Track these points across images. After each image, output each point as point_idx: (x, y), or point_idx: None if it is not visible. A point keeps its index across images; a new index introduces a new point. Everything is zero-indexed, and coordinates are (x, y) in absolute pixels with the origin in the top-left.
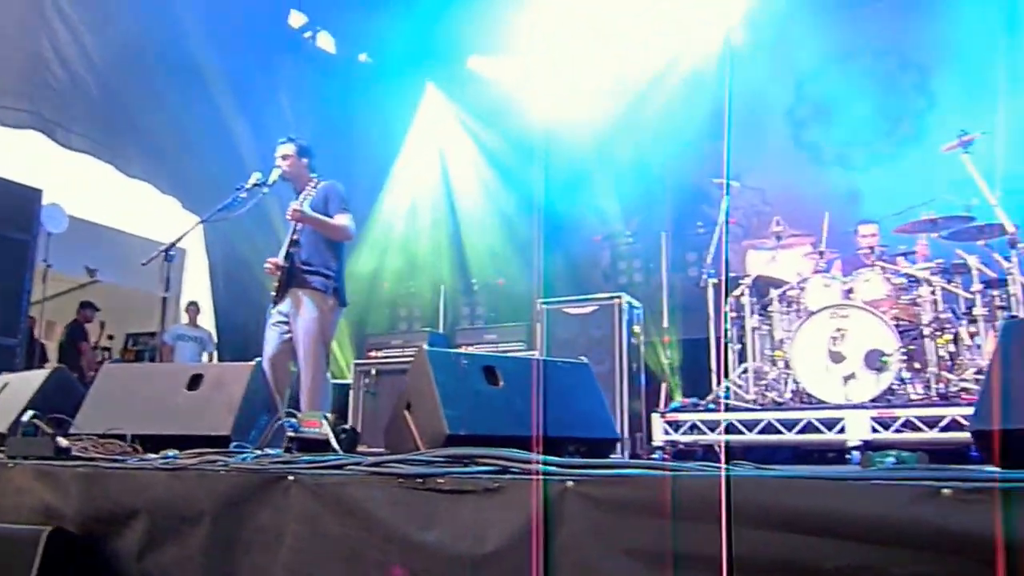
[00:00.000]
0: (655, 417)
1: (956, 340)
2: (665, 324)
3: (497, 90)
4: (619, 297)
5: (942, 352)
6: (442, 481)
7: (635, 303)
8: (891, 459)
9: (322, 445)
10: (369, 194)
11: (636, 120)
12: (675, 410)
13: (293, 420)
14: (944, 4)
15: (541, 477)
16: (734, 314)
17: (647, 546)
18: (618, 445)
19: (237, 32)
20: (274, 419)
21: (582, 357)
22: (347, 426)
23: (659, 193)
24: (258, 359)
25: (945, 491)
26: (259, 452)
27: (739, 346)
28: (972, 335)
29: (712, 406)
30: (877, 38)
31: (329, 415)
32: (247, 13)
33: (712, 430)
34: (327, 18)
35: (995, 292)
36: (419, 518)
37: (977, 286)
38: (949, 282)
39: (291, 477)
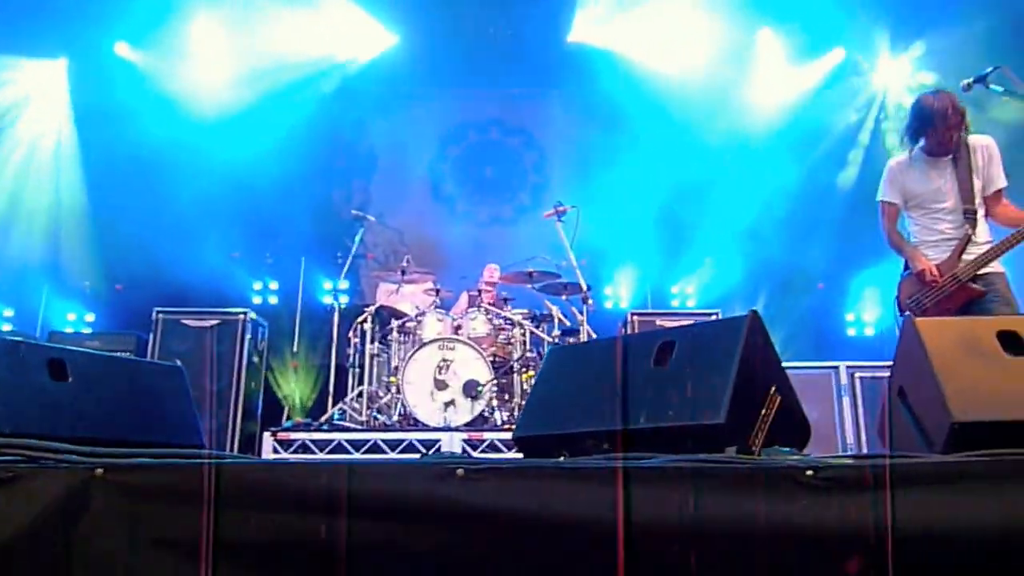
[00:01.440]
0: (266, 436)
1: None
2: (295, 347)
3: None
4: (244, 313)
5: (526, 385)
6: None
7: (261, 320)
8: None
9: None
10: None
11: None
12: (286, 429)
13: None
14: (561, 99)
15: (65, 465)
16: (356, 340)
17: (179, 535)
18: None
19: None
20: None
21: (176, 360)
22: None
23: (302, 218)
24: None
25: (459, 471)
26: None
27: (358, 370)
28: None
29: (326, 426)
30: (509, 118)
31: None
32: None
33: (322, 450)
34: None
35: (570, 338)
36: None
37: (557, 332)
38: (537, 327)
39: None
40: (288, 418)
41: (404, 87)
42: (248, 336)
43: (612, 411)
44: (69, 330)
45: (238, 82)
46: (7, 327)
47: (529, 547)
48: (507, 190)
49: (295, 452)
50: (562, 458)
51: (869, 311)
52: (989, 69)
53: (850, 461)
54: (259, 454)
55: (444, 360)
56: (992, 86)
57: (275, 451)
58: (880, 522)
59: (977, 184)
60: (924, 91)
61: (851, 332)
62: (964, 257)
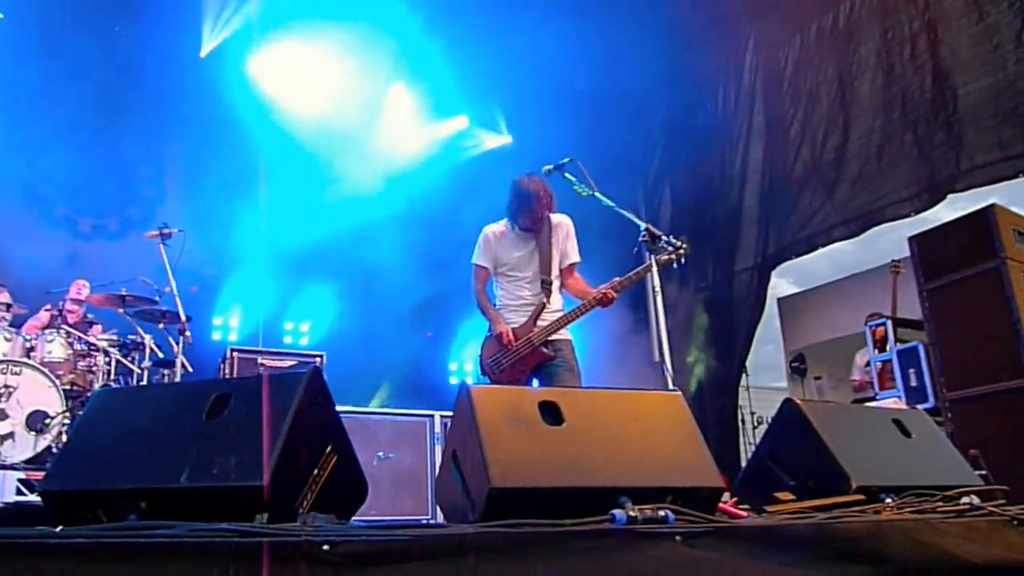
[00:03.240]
0: None
1: None
2: None
3: None
4: None
5: None
6: None
7: None
8: None
9: None
10: None
11: None
12: None
13: None
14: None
15: None
16: None
17: None
18: None
19: None
20: None
21: None
22: None
23: None
24: None
25: None
26: None
27: None
28: None
29: None
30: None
31: None
32: None
33: None
34: None
35: (164, 371)
36: None
37: (148, 363)
38: (126, 356)
39: None
40: None
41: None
42: None
43: (154, 467)
44: None
45: None
46: None
47: None
48: (116, 201)
49: None
50: (60, 528)
51: (471, 361)
52: (566, 160)
53: (375, 534)
54: None
55: (6, 386)
56: (567, 175)
57: None
58: None
59: (555, 257)
60: (519, 174)
61: (453, 381)
62: (539, 323)
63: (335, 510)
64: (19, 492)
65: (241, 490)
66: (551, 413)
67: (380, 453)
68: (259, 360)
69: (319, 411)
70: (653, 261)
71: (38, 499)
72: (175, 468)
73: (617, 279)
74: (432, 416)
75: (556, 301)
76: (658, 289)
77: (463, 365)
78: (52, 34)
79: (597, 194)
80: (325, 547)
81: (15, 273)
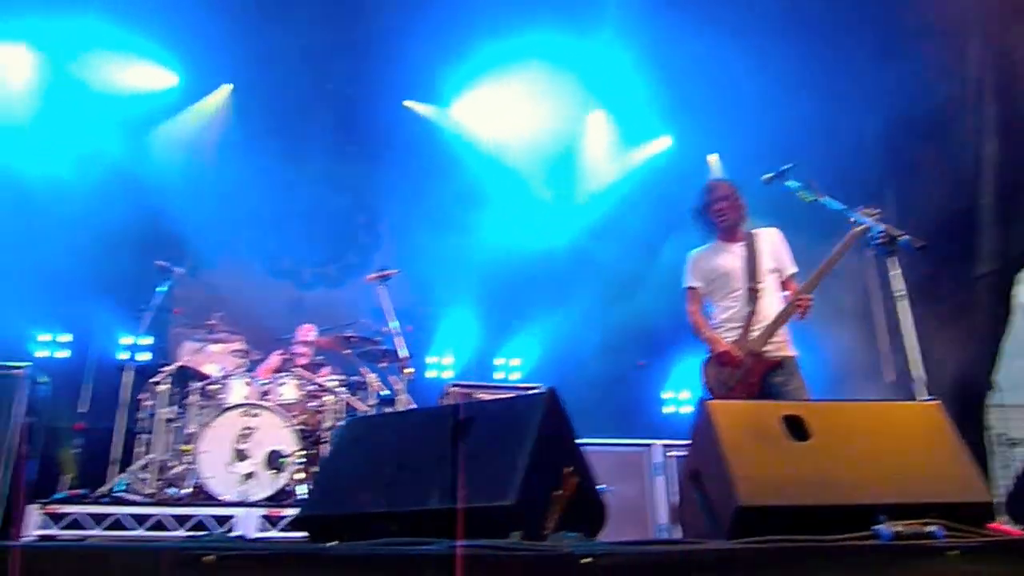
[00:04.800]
0: (33, 508)
1: None
2: (80, 407)
3: None
4: (19, 368)
5: None
6: None
7: (40, 378)
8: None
9: None
10: None
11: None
12: (57, 500)
13: None
14: (395, 161)
15: None
16: (150, 402)
17: None
18: None
19: None
20: None
21: None
22: None
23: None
24: None
25: (209, 557)
26: None
27: (149, 436)
28: None
29: (106, 499)
30: (341, 175)
31: None
32: None
33: (99, 524)
34: None
35: (387, 408)
36: None
37: (373, 401)
38: (352, 395)
39: None
40: (62, 488)
41: (232, 135)
42: (24, 394)
43: (404, 490)
44: None
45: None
46: None
47: None
48: (334, 250)
49: (67, 528)
50: (336, 543)
51: (687, 389)
52: (787, 166)
53: (630, 547)
54: (20, 529)
55: (247, 428)
56: (788, 182)
57: (43, 526)
58: None
59: (762, 265)
60: (707, 180)
61: (669, 410)
62: (752, 333)
63: (578, 531)
64: (262, 528)
65: (490, 510)
66: (796, 428)
67: (602, 486)
68: (475, 394)
69: (558, 432)
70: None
71: (280, 534)
72: (424, 491)
73: (805, 283)
74: (650, 446)
75: (766, 308)
76: (903, 292)
77: (678, 393)
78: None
79: (824, 198)
80: (586, 560)
81: (247, 322)
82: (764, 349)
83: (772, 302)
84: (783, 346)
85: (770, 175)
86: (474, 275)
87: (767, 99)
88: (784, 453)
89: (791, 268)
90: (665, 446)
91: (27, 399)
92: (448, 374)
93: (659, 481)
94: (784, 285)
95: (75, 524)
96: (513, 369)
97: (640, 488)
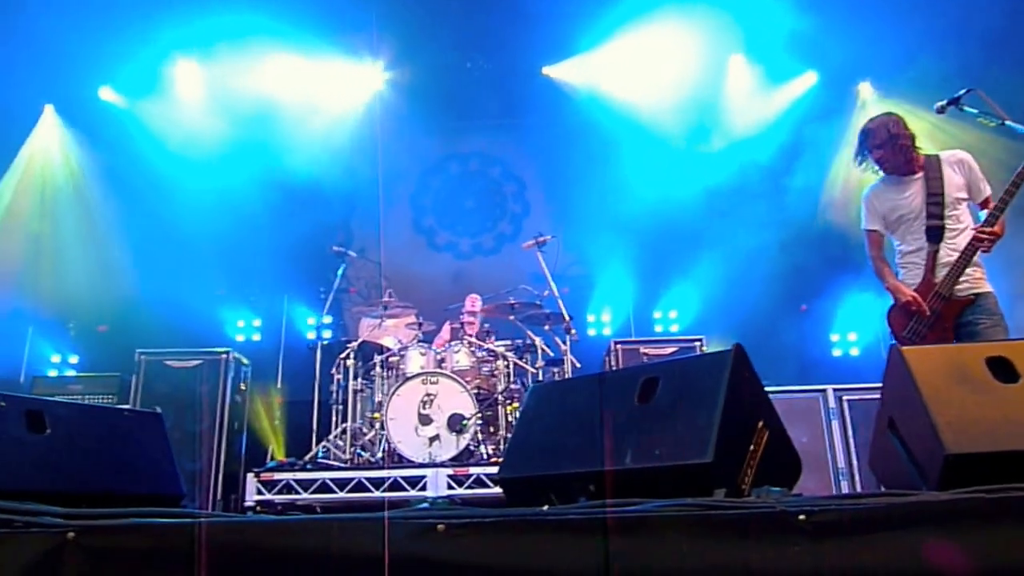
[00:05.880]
0: (249, 477)
1: None
2: (279, 384)
3: (132, 127)
4: (227, 353)
5: (511, 418)
6: None
7: (243, 360)
8: (425, 504)
9: None
10: None
11: (271, 180)
12: (269, 469)
13: None
14: (538, 129)
15: (36, 529)
16: (339, 376)
17: None
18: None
19: None
20: None
21: (156, 408)
22: None
23: (286, 253)
24: None
25: (440, 526)
26: None
27: (341, 407)
28: None
29: (310, 465)
30: (489, 149)
31: None
32: None
33: (306, 489)
34: None
35: (555, 369)
36: None
37: (541, 363)
38: (520, 358)
39: None
40: (271, 457)
41: (385, 122)
42: (231, 375)
43: (597, 451)
44: (52, 373)
45: (219, 124)
46: None
47: None
48: (488, 220)
49: (279, 493)
50: (546, 507)
51: (854, 331)
52: (963, 91)
53: (845, 502)
54: (243, 496)
55: (428, 394)
56: (966, 108)
57: (259, 492)
58: (880, 568)
59: (946, 196)
60: (870, 117)
61: (836, 353)
62: (937, 272)
63: (775, 485)
64: (449, 487)
65: (688, 468)
66: (1002, 369)
67: None
68: (641, 350)
69: (747, 387)
70: None
71: (465, 491)
72: (618, 451)
73: (987, 216)
74: (824, 391)
75: (953, 244)
76: None
77: (845, 335)
78: (426, 86)
79: (1009, 122)
80: (801, 517)
81: (416, 296)
82: (954, 290)
83: (959, 236)
84: (977, 282)
85: (943, 102)
86: (624, 231)
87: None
88: (991, 397)
89: (984, 191)
90: (837, 390)
91: (232, 379)
92: (607, 331)
93: (835, 426)
94: (983, 206)
95: (286, 489)
96: (671, 321)
97: (816, 434)
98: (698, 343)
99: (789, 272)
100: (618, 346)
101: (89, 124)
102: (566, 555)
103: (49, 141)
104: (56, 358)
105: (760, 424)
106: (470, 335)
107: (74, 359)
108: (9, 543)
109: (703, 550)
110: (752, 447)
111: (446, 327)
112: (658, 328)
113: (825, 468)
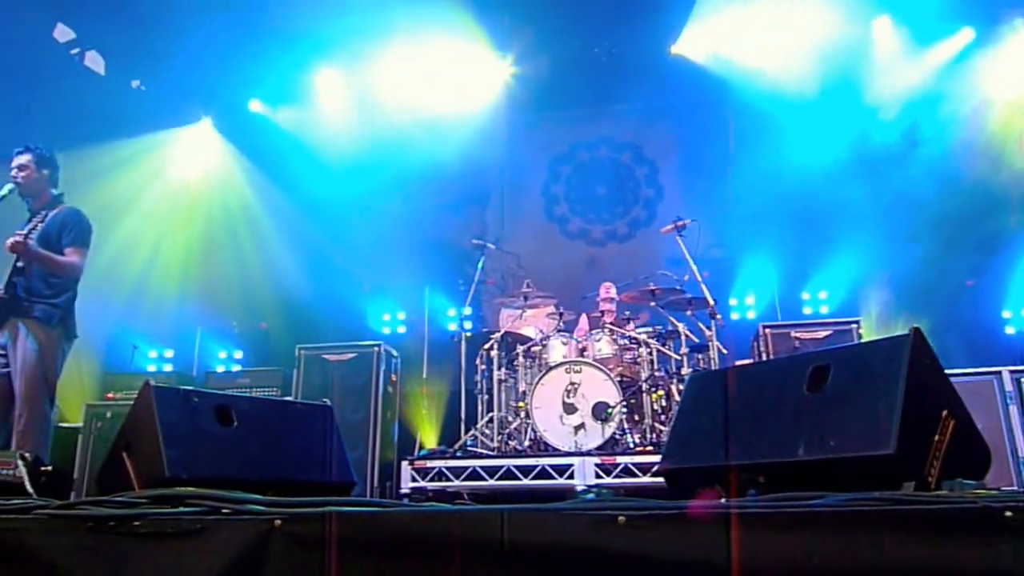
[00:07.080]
0: (404, 464)
1: (668, 395)
2: (424, 374)
3: (280, 136)
4: (378, 346)
5: (656, 405)
6: (138, 524)
7: (393, 352)
8: (592, 495)
9: (15, 488)
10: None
11: (405, 177)
12: (422, 457)
13: None
14: (667, 111)
15: (246, 517)
16: (484, 367)
17: None
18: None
19: None
20: None
21: (325, 400)
22: (48, 468)
23: (425, 248)
24: None
25: (620, 518)
26: None
27: (487, 397)
28: (680, 391)
29: (459, 453)
30: (618, 134)
31: (28, 456)
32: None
33: (457, 477)
34: (98, 37)
35: (699, 355)
36: (106, 565)
37: (684, 349)
38: (663, 345)
39: None
40: (421, 446)
41: (514, 114)
42: (383, 368)
43: (763, 442)
44: (220, 368)
45: (359, 126)
46: (168, 367)
47: None
48: (620, 206)
49: (432, 480)
50: (723, 499)
51: None
52: None
53: None
54: (398, 483)
55: (572, 383)
56: None
57: (413, 479)
58: None
59: None
60: None
61: (1010, 331)
62: None
63: (963, 478)
64: (596, 475)
65: (868, 460)
66: None
67: None
68: (792, 334)
69: (928, 374)
70: None
71: (613, 480)
72: (788, 442)
73: None
74: (999, 373)
75: None
76: None
77: (1019, 311)
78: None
79: None
80: (1008, 513)
81: (552, 286)
82: None
83: None
84: None
85: None
86: (765, 210)
87: None
88: None
89: None
90: (1014, 372)
91: (384, 371)
92: (751, 315)
93: (1013, 411)
94: None
95: (438, 476)
96: (821, 303)
97: (992, 420)
98: (854, 325)
99: (950, 245)
100: (767, 330)
101: (242, 134)
102: (755, 550)
103: (209, 152)
104: (223, 354)
105: (944, 413)
106: (609, 323)
107: (239, 354)
108: (221, 530)
109: (901, 549)
110: (937, 438)
111: (584, 317)
112: (806, 310)
113: (1003, 458)
